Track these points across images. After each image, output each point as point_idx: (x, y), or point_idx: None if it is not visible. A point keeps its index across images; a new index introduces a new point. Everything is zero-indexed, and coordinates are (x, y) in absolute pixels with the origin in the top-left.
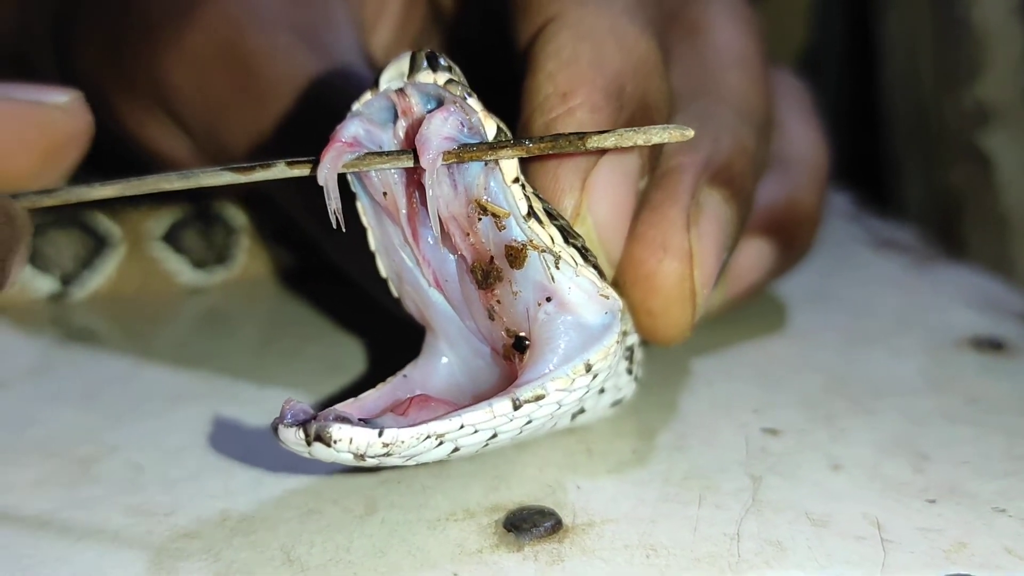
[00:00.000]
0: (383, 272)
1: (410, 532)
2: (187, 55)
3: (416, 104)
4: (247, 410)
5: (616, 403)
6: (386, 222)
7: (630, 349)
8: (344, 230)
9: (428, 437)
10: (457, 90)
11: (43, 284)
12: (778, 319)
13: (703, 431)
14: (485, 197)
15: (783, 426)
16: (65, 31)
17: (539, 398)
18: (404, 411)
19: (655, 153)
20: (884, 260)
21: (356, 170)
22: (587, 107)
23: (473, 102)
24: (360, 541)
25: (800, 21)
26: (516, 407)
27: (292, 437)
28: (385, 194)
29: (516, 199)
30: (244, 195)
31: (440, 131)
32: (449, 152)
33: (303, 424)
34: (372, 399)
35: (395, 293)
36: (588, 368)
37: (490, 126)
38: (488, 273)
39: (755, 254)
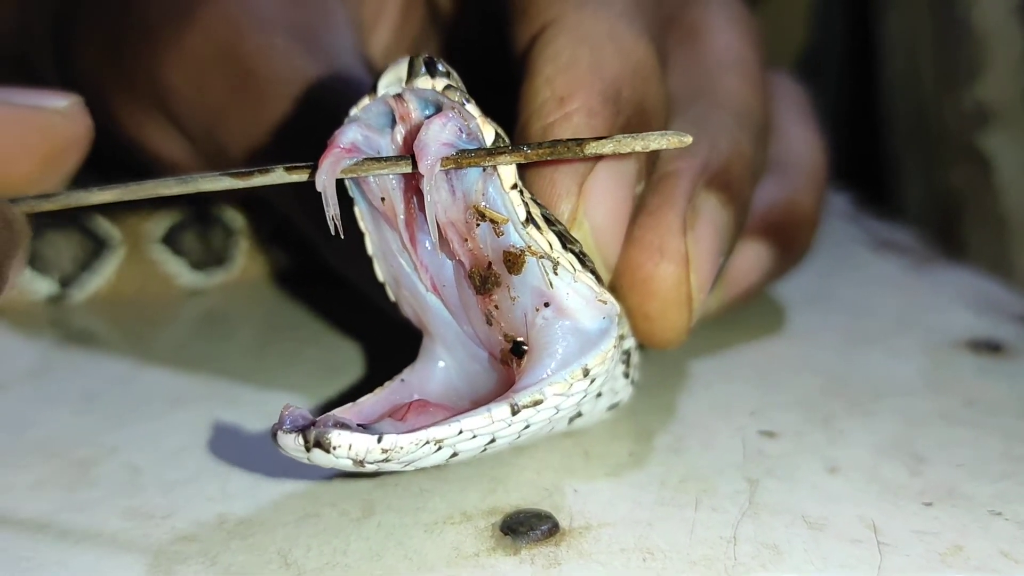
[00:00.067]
0: (380, 276)
1: (407, 535)
2: (186, 56)
3: (414, 110)
4: (245, 413)
5: (613, 407)
6: (384, 227)
7: (627, 353)
8: (343, 237)
9: (427, 443)
10: (455, 96)
11: (42, 286)
12: (777, 320)
13: (700, 434)
14: (483, 203)
15: (780, 428)
16: (65, 32)
17: (537, 403)
18: (403, 416)
19: (652, 157)
20: (883, 261)
21: (354, 176)
22: (584, 112)
23: (471, 108)
24: (357, 544)
25: (800, 22)
26: (514, 412)
27: (291, 443)
28: (383, 199)
29: (515, 205)
30: (242, 198)
31: (438, 137)
32: (447, 158)
33: (302, 430)
34: (370, 404)
35: (392, 297)
36: (586, 373)
37: (488, 132)
38: (486, 279)
39: (753, 256)
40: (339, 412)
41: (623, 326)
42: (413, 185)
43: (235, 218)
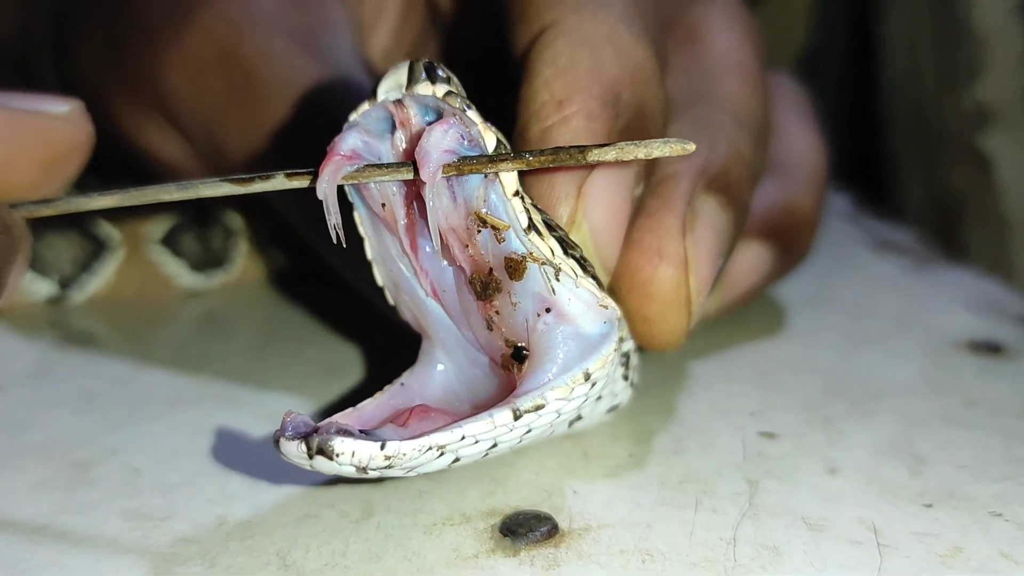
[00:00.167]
0: (380, 281)
1: (406, 537)
2: (185, 57)
3: (414, 116)
4: (245, 414)
5: (612, 409)
6: (383, 232)
7: (626, 355)
8: (344, 245)
9: (429, 449)
10: (456, 102)
11: (42, 287)
12: (777, 321)
13: (700, 435)
14: (484, 209)
15: (781, 429)
16: (64, 32)
17: (539, 408)
18: (404, 422)
19: (650, 160)
20: (883, 261)
21: (355, 182)
22: (583, 115)
23: (472, 114)
24: (356, 546)
25: (800, 22)
26: (516, 417)
27: (294, 451)
28: (383, 205)
29: (516, 212)
30: (242, 199)
31: (440, 144)
32: (449, 165)
33: (305, 437)
34: (371, 409)
35: (391, 301)
36: (587, 377)
37: (490, 139)
38: (487, 284)
39: (753, 258)
40: (340, 418)
41: (622, 329)
42: (414, 191)
43: (234, 219)
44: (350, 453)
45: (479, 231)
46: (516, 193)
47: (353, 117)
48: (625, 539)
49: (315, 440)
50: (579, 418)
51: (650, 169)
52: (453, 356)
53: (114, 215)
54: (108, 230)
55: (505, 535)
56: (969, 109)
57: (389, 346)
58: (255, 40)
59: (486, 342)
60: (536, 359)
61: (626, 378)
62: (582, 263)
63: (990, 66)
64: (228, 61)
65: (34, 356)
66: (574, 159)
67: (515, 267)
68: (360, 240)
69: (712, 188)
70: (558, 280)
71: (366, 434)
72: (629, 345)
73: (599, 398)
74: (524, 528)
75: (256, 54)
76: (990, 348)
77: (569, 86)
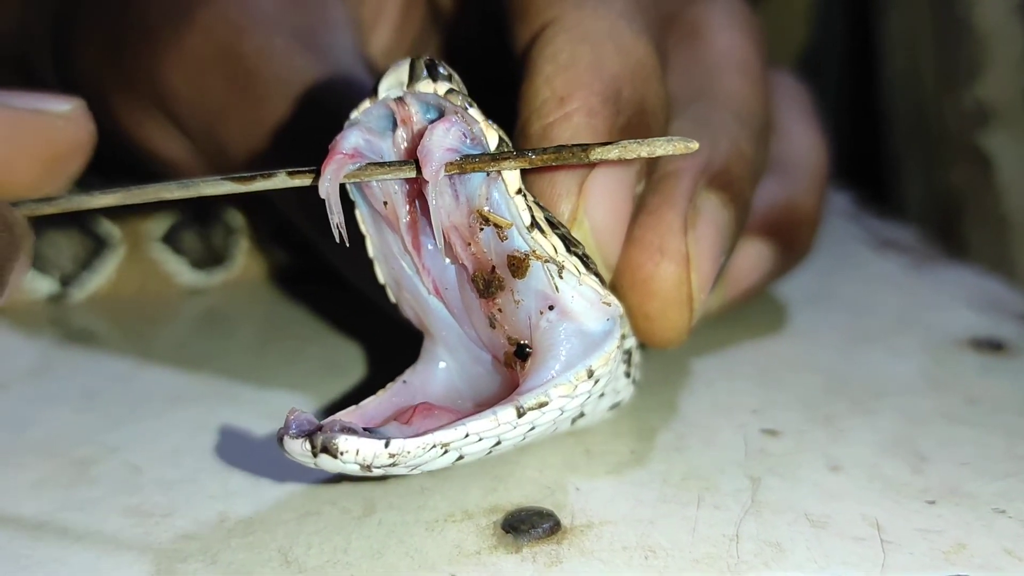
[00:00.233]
0: (381, 279)
1: (408, 533)
2: (185, 57)
3: (416, 113)
4: (246, 412)
5: (614, 406)
6: (385, 230)
7: (628, 352)
8: (348, 244)
9: (434, 447)
10: (458, 100)
11: (42, 285)
12: (778, 319)
13: (702, 432)
14: (487, 207)
15: (782, 427)
16: (64, 32)
17: (542, 405)
18: (408, 420)
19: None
20: (884, 260)
21: (357, 181)
22: (584, 111)
23: (474, 112)
24: (358, 542)
25: (800, 20)
26: (520, 414)
27: (298, 449)
28: (385, 203)
29: (519, 210)
30: (242, 197)
31: (442, 142)
32: (451, 163)
33: (309, 435)
34: (373, 406)
35: (393, 299)
36: (590, 374)
37: (492, 136)
38: (490, 282)
39: (754, 256)
40: (343, 416)
41: (624, 326)
42: (416, 189)
43: (235, 217)
44: (354, 451)
45: (481, 229)
46: (519, 191)
47: (354, 115)
48: (627, 536)
49: (319, 438)
50: (582, 415)
51: (651, 166)
52: (455, 354)
53: (115, 213)
54: (109, 228)
55: (507, 532)
56: (969, 108)
57: (390, 344)
58: (255, 39)
59: (488, 340)
60: (539, 356)
61: (628, 375)
62: (585, 260)
63: (990, 65)
64: (228, 60)
65: (35, 354)
66: (577, 157)
67: (518, 265)
68: (361, 238)
69: (714, 185)
70: (561, 278)
71: (370, 432)
72: (631, 342)
73: (602, 395)
74: (526, 525)
75: (256, 53)
76: (991, 346)
77: (570, 83)
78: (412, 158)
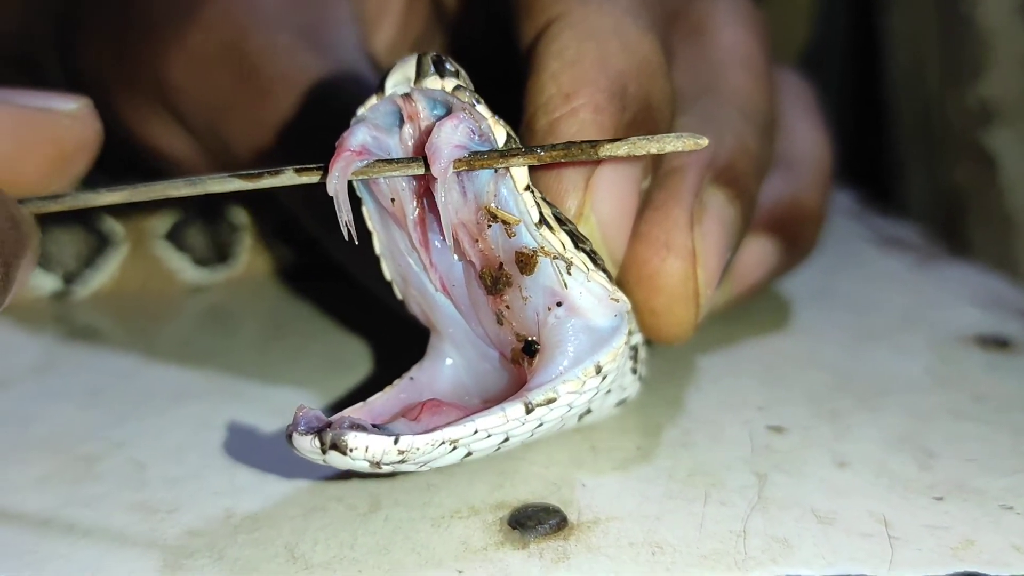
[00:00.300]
0: (388, 275)
1: (414, 530)
2: (189, 54)
3: (423, 110)
4: (251, 408)
5: (621, 403)
6: (392, 227)
7: (634, 348)
8: (356, 242)
9: (442, 443)
10: (465, 96)
11: (46, 282)
12: (783, 316)
13: (708, 428)
14: (495, 204)
15: (788, 423)
16: (68, 30)
17: (551, 401)
18: (416, 416)
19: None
20: (888, 258)
21: (365, 178)
22: (590, 108)
23: (482, 109)
24: (364, 539)
25: (803, 18)
26: (528, 411)
27: (307, 445)
28: (393, 200)
29: (528, 207)
30: (247, 194)
31: (450, 139)
32: (460, 160)
33: (318, 432)
34: (381, 403)
35: (400, 296)
36: (598, 370)
37: (500, 133)
38: (497, 279)
39: (759, 252)
40: (352, 412)
41: (631, 321)
42: (423, 186)
43: (239, 214)
44: (363, 448)
45: (489, 226)
46: (527, 188)
47: (361, 112)
48: (634, 532)
49: (328, 435)
50: (589, 412)
51: (657, 162)
52: (462, 350)
53: (118, 210)
54: (112, 225)
55: (514, 528)
56: (973, 106)
57: (396, 340)
58: (259, 36)
59: (496, 336)
60: (547, 353)
61: (635, 371)
62: (592, 256)
63: (994, 63)
64: (232, 57)
65: (39, 351)
66: (586, 154)
67: (526, 261)
68: (368, 234)
69: (720, 181)
70: (569, 274)
71: (378, 428)
72: (638, 338)
73: (608, 391)
74: (533, 521)
75: (260, 50)
76: (997, 343)
77: (576, 79)
78: (420, 155)
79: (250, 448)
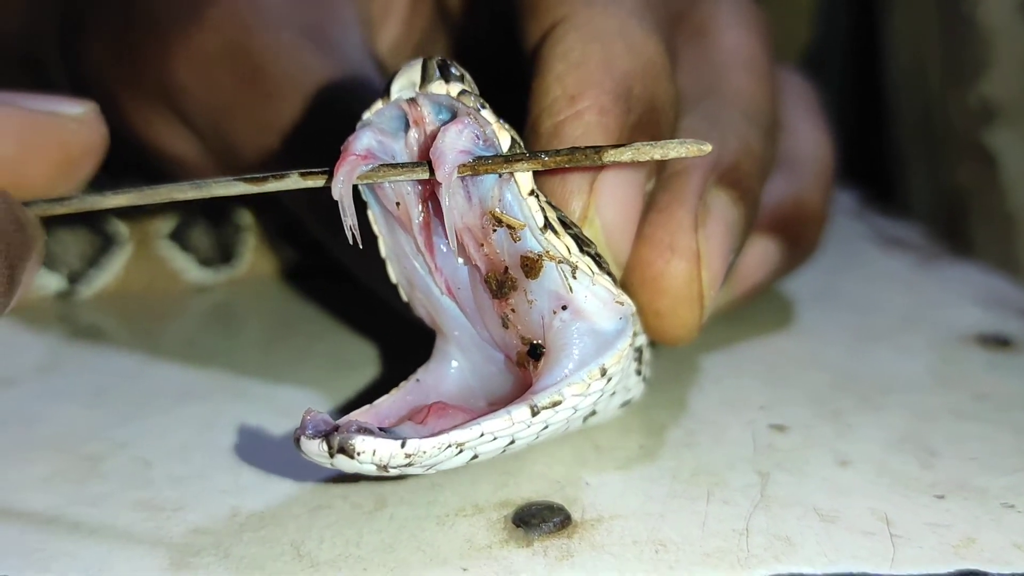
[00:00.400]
0: (393, 278)
1: (419, 528)
2: (194, 54)
3: (428, 115)
4: (255, 407)
5: (625, 404)
6: (397, 231)
7: (639, 350)
8: (360, 247)
9: (449, 446)
10: (470, 101)
11: (50, 282)
12: (785, 316)
13: (711, 428)
14: (499, 209)
15: (790, 422)
16: (72, 29)
17: (556, 404)
18: (423, 419)
19: None
20: (890, 258)
21: (370, 182)
22: (595, 110)
23: (487, 113)
24: (369, 537)
25: (805, 18)
26: (534, 413)
27: (315, 449)
28: (398, 204)
29: (533, 211)
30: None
31: (455, 144)
32: (464, 165)
33: (326, 436)
34: (387, 405)
35: (405, 298)
36: (603, 372)
37: (504, 138)
38: (503, 283)
39: (761, 253)
40: (358, 415)
41: (635, 323)
42: (428, 190)
43: (243, 215)
44: (371, 452)
45: (494, 230)
46: (532, 192)
47: (367, 116)
48: (638, 530)
49: (336, 439)
50: (594, 413)
51: (661, 164)
52: (468, 353)
53: (123, 210)
54: (117, 225)
55: (518, 526)
56: (975, 106)
57: (399, 341)
58: (264, 36)
59: (501, 340)
60: (552, 356)
61: (639, 373)
62: (597, 260)
63: (996, 63)
64: (237, 57)
65: (43, 350)
66: (590, 159)
67: (531, 266)
68: (373, 237)
69: (723, 183)
70: (575, 278)
71: (385, 432)
72: (642, 340)
73: (613, 393)
74: (537, 519)
75: (265, 50)
76: (999, 342)
77: (581, 81)
78: (425, 159)
79: (255, 447)
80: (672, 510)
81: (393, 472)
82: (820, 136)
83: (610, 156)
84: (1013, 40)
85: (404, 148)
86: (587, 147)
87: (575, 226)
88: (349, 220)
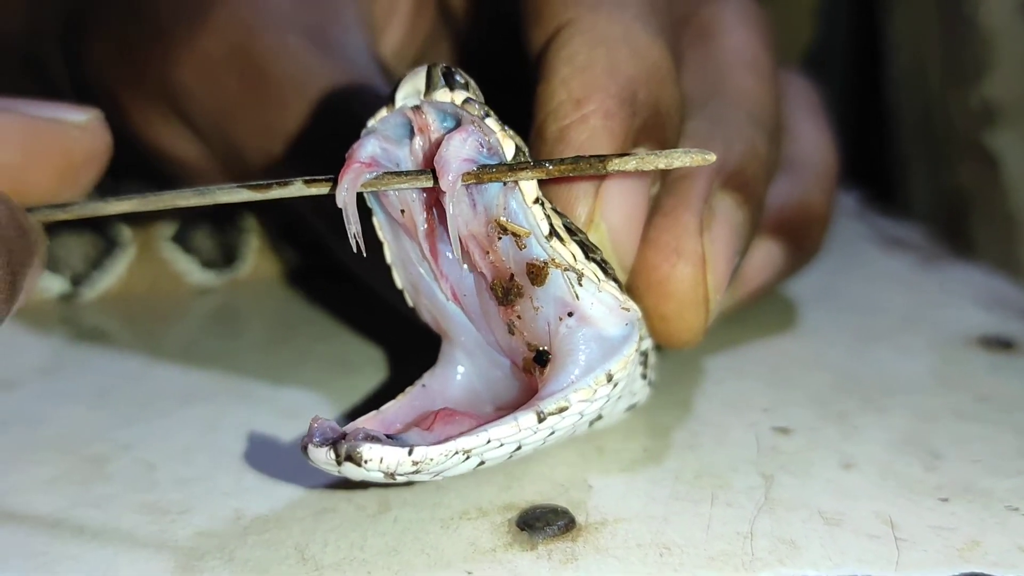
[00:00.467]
0: (399, 284)
1: (423, 531)
2: (198, 57)
3: (433, 122)
4: (258, 409)
5: (631, 407)
6: (403, 237)
7: (644, 354)
8: (364, 255)
9: (456, 453)
10: (475, 109)
11: (54, 284)
12: (787, 318)
13: (715, 430)
14: (504, 216)
15: (794, 424)
16: (75, 31)
17: (563, 410)
18: (429, 426)
19: None
20: (891, 259)
21: (375, 190)
22: (600, 114)
23: (491, 122)
24: (374, 540)
25: (806, 19)
26: (541, 419)
27: (323, 457)
28: (403, 211)
29: (538, 219)
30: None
31: (459, 153)
32: (468, 173)
33: (333, 444)
34: (393, 411)
35: (411, 304)
36: (609, 378)
37: (509, 146)
38: (508, 290)
39: (765, 255)
40: (365, 423)
41: (641, 328)
42: (433, 197)
43: (246, 217)
44: (378, 459)
45: (500, 238)
46: (536, 200)
47: (371, 123)
48: (642, 533)
49: (343, 447)
50: (600, 418)
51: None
52: (474, 358)
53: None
54: (119, 228)
55: (522, 529)
56: (976, 107)
57: (402, 342)
58: (268, 38)
59: (507, 346)
60: (558, 362)
61: (645, 377)
62: (603, 266)
63: (997, 64)
64: (241, 59)
65: (47, 352)
66: (594, 168)
67: (537, 273)
68: (378, 243)
69: (728, 186)
70: (580, 285)
71: (392, 439)
72: (648, 344)
73: (619, 398)
74: (541, 522)
75: (269, 52)
76: (1001, 343)
77: (586, 85)
78: (429, 167)
79: (259, 449)
80: (676, 513)
81: (400, 479)
82: (823, 138)
83: (614, 165)
84: (1014, 41)
85: (409, 155)
86: (591, 156)
87: (581, 232)
88: (353, 228)
